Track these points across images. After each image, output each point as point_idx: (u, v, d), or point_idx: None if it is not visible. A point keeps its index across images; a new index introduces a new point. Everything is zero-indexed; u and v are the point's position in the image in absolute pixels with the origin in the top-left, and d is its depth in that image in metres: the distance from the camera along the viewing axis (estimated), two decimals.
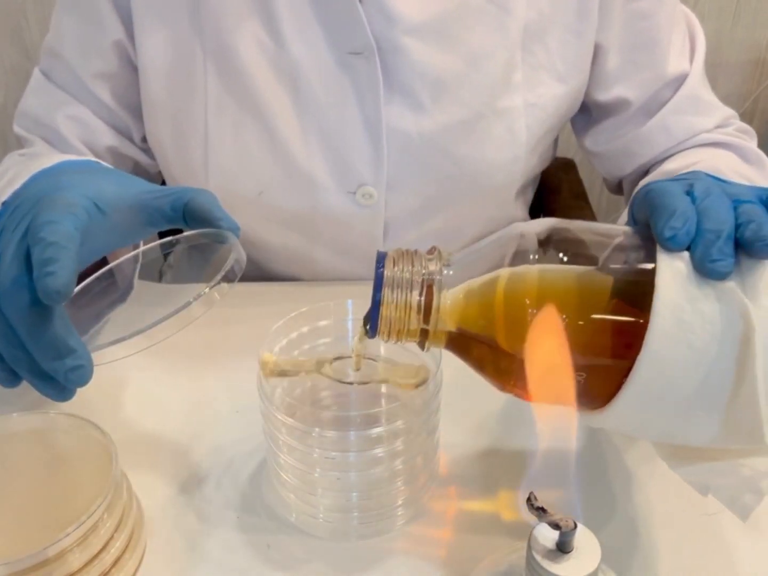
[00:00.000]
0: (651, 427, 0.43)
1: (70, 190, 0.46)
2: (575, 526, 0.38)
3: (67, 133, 0.73)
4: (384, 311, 0.43)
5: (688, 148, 0.77)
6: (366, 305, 0.43)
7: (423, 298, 0.43)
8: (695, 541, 0.50)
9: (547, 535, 0.38)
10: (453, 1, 0.68)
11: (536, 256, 0.42)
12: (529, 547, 0.38)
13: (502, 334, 0.42)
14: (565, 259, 0.42)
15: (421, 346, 0.45)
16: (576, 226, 0.44)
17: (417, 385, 0.51)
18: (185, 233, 0.51)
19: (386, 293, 0.43)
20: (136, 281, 0.54)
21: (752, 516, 0.49)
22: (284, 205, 0.73)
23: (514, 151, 0.73)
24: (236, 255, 0.47)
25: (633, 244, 0.43)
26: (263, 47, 0.68)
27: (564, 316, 0.40)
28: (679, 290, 0.39)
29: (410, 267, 0.43)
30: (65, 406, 0.48)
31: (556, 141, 0.84)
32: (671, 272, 0.39)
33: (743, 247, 0.39)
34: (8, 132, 1.65)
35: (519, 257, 0.43)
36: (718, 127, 0.78)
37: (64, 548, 0.43)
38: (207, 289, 0.45)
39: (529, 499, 0.38)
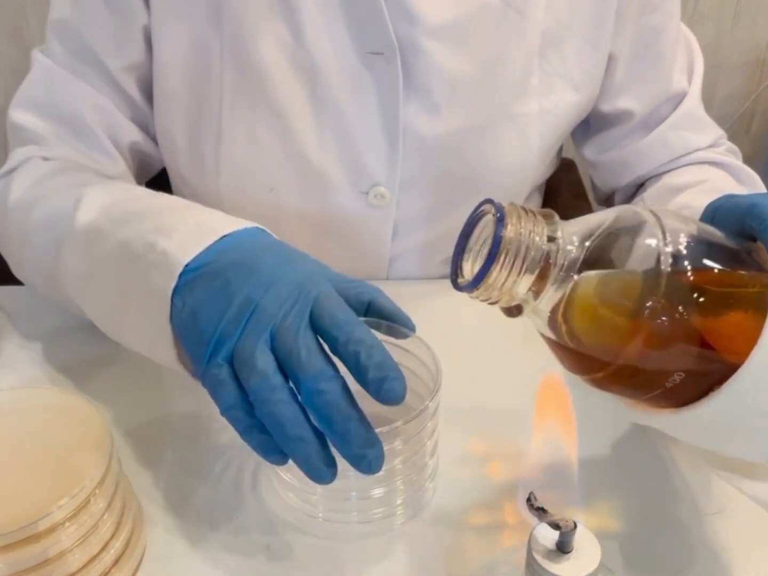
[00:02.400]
0: (719, 438, 0.43)
1: (321, 282, 0.46)
2: (575, 526, 0.38)
3: (94, 124, 0.71)
4: (494, 271, 0.39)
5: (685, 165, 0.78)
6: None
7: (542, 266, 0.39)
8: (695, 541, 0.50)
9: (547, 535, 0.38)
10: (473, 5, 0.67)
11: (664, 259, 0.39)
12: (529, 547, 0.38)
13: (611, 336, 0.41)
14: (685, 261, 0.40)
15: (509, 313, 0.42)
16: (705, 227, 0.42)
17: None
18: (368, 319, 0.50)
19: (503, 253, 0.39)
20: None
21: (753, 516, 0.50)
22: (294, 203, 0.73)
23: (526, 157, 0.74)
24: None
25: (743, 255, 0.42)
26: (282, 43, 0.67)
27: (679, 316, 0.39)
28: None
29: (532, 227, 0.40)
30: (59, 382, 0.49)
31: (561, 147, 0.84)
32: None
33: None
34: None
35: (641, 252, 0.40)
36: (712, 145, 0.80)
37: (56, 522, 0.42)
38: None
39: (529, 499, 0.38)
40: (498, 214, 0.40)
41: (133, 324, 0.54)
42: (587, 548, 0.38)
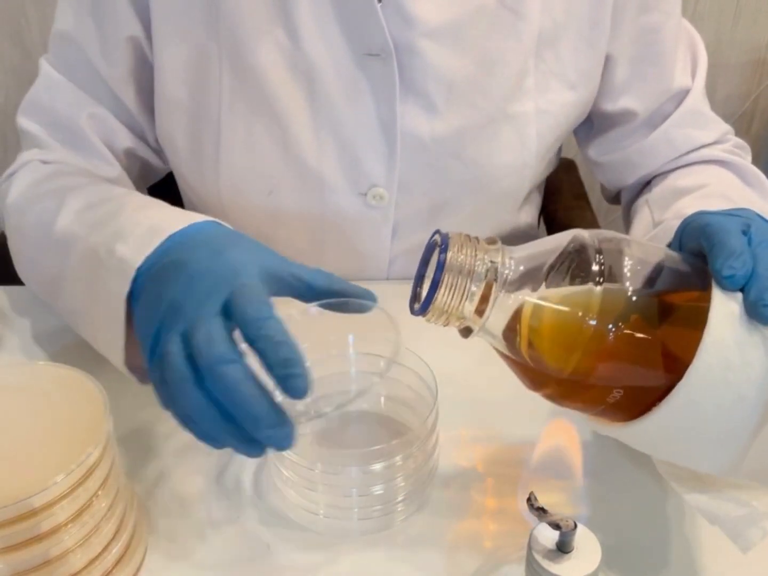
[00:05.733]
0: (667, 449, 0.45)
1: (243, 271, 0.47)
2: (575, 526, 0.38)
3: (90, 132, 0.72)
4: (440, 294, 0.42)
5: (691, 163, 0.78)
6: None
7: (482, 290, 0.42)
8: (695, 542, 0.51)
9: (547, 535, 0.38)
10: (469, 6, 0.68)
11: (601, 279, 0.42)
12: (529, 547, 0.39)
13: (554, 343, 0.43)
14: (626, 281, 0.42)
15: (464, 334, 0.45)
16: (639, 243, 0.44)
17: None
18: (327, 300, 0.51)
19: (447, 277, 0.42)
20: None
21: None
22: (294, 205, 0.73)
23: (524, 156, 0.74)
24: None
25: (685, 272, 0.44)
26: (280, 46, 0.68)
27: (615, 334, 0.41)
28: (729, 329, 0.40)
29: (473, 253, 0.42)
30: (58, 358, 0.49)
31: (560, 147, 0.84)
32: (724, 311, 0.41)
33: None
34: (8, 132, 1.65)
35: (580, 273, 0.42)
36: (717, 141, 0.79)
37: (52, 499, 0.42)
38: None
39: (529, 500, 0.38)
40: (442, 244, 0.43)
41: (99, 327, 0.56)
42: (587, 548, 0.39)
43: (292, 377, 0.42)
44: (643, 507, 0.53)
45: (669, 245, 0.48)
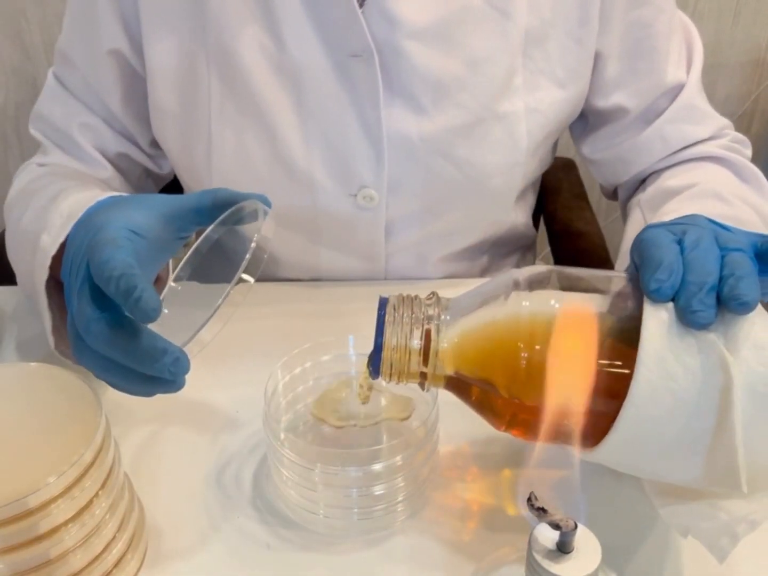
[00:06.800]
0: (638, 467, 0.45)
1: (105, 228, 0.49)
2: (575, 526, 0.38)
3: (81, 141, 0.76)
4: (385, 354, 0.45)
5: (685, 160, 0.77)
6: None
7: (422, 342, 0.45)
8: (695, 542, 0.50)
9: (547, 535, 0.38)
10: (455, 6, 0.68)
11: (528, 303, 0.43)
12: (529, 547, 0.39)
13: (497, 379, 0.44)
14: (557, 305, 0.43)
15: (422, 386, 0.47)
16: (572, 272, 0.46)
17: (405, 418, 0.55)
18: (222, 216, 0.53)
19: (387, 337, 0.45)
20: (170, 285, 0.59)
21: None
22: (287, 208, 0.73)
23: (515, 155, 0.74)
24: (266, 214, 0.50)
25: (626, 292, 0.44)
26: (264, 50, 0.68)
27: (555, 362, 0.42)
28: (663, 340, 0.41)
29: (410, 312, 0.45)
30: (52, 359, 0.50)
31: (555, 145, 0.84)
32: (656, 323, 0.41)
33: (722, 301, 0.41)
34: (8, 132, 1.65)
35: (512, 301, 0.44)
36: (713, 136, 0.78)
37: (48, 499, 0.42)
38: (248, 255, 0.48)
39: (529, 499, 0.38)
40: (380, 303, 0.46)
41: (40, 314, 0.60)
42: (587, 548, 0.38)
43: (135, 303, 0.44)
44: (643, 507, 0.53)
45: (627, 267, 0.48)
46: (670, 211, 0.69)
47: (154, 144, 0.79)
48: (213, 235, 0.56)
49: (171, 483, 0.55)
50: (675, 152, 0.77)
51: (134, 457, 0.57)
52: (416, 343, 0.45)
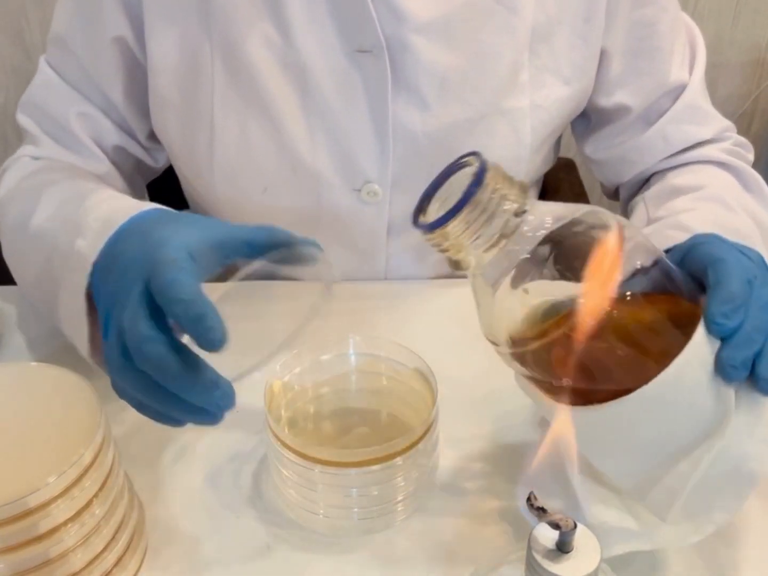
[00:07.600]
0: (606, 450, 0.46)
1: (165, 246, 0.48)
2: (575, 526, 0.38)
3: (78, 131, 0.74)
4: (451, 225, 0.41)
5: (689, 162, 0.77)
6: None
7: (496, 238, 0.41)
8: (695, 542, 0.50)
9: (547, 535, 0.38)
10: (461, 1, 0.68)
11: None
12: (529, 547, 0.39)
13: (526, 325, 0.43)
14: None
15: (452, 264, 0.44)
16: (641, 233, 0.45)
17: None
18: (267, 254, 0.52)
19: (466, 211, 0.41)
20: None
21: (752, 516, 0.49)
22: (289, 202, 0.73)
23: (519, 151, 0.74)
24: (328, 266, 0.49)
25: (683, 290, 0.44)
26: (271, 43, 0.68)
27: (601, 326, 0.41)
28: (693, 367, 0.42)
29: (503, 195, 0.41)
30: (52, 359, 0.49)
31: (558, 144, 0.84)
32: (697, 349, 0.42)
33: (753, 372, 0.42)
34: (8, 132, 1.65)
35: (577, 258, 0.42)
36: (715, 138, 0.78)
37: (47, 499, 0.42)
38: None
39: (529, 499, 0.38)
40: (479, 171, 0.41)
41: (69, 321, 0.58)
42: (587, 548, 0.38)
43: (205, 331, 0.43)
44: (643, 507, 0.53)
45: (667, 252, 0.48)
46: (679, 210, 0.68)
47: (152, 136, 0.78)
48: (257, 270, 0.54)
49: (171, 483, 0.55)
50: (677, 153, 0.77)
51: (134, 457, 0.57)
52: (493, 230, 0.41)
